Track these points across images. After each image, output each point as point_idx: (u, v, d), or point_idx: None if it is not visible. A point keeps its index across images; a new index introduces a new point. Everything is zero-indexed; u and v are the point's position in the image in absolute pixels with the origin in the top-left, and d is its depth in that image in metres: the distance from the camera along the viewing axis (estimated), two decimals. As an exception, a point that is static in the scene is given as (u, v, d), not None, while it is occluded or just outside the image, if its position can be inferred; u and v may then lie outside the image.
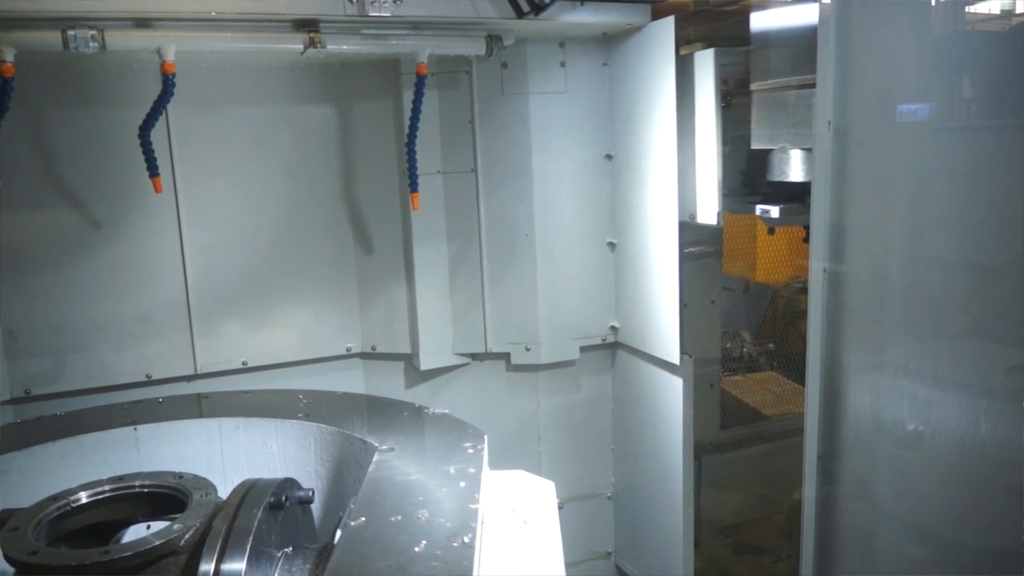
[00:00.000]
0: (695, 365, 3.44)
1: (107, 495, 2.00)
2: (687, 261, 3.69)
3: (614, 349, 4.00)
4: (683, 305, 3.39)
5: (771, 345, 4.91)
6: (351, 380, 3.92)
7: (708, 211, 3.32)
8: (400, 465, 2.28)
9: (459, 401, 3.88)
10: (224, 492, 1.95)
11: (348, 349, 3.91)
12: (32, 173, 3.27)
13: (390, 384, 3.95)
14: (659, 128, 3.35)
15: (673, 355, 3.42)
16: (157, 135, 3.01)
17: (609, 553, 4.21)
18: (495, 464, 2.48)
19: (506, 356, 3.91)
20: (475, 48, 3.30)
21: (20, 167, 3.23)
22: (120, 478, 2.05)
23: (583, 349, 3.93)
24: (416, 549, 1.81)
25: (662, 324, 3.48)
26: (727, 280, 4.48)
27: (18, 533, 1.76)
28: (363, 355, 3.96)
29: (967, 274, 2.16)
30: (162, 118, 3.05)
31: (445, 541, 1.84)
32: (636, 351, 3.78)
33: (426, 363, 3.84)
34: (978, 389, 2.13)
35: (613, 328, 3.93)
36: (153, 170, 2.98)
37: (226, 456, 2.69)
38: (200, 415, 2.79)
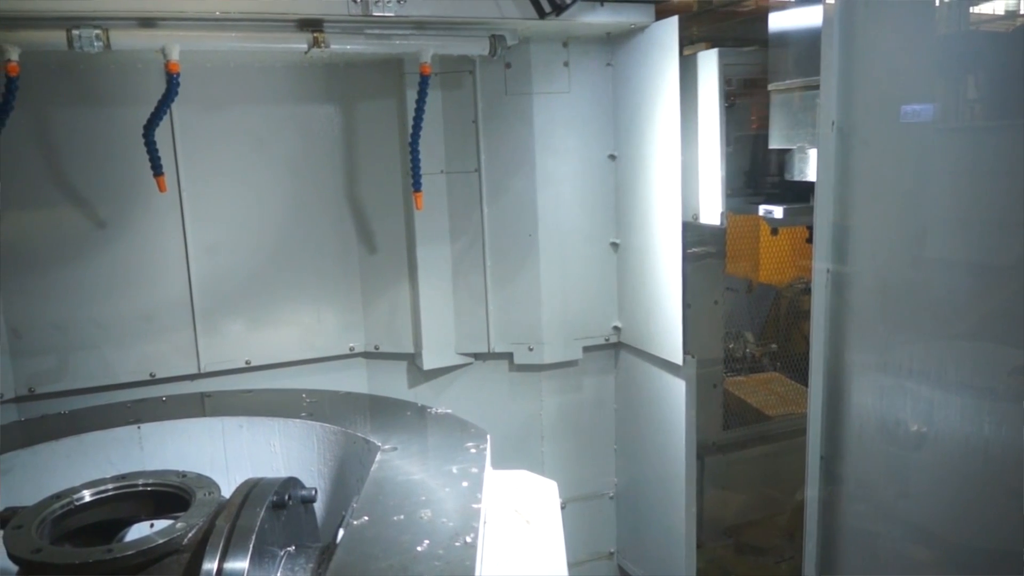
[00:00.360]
0: (698, 365, 3.44)
1: (110, 494, 2.00)
2: (690, 261, 3.69)
3: (617, 349, 4.00)
4: (686, 305, 3.39)
5: (774, 346, 4.90)
6: (354, 379, 3.92)
7: (711, 211, 3.32)
8: (403, 465, 2.28)
9: (462, 401, 3.88)
10: (227, 491, 1.95)
11: (351, 348, 3.92)
12: (36, 172, 3.27)
13: (393, 384, 3.96)
14: (662, 128, 3.35)
15: (676, 355, 3.42)
16: (161, 134, 3.01)
17: (611, 553, 4.21)
18: (498, 464, 2.48)
19: (509, 356, 3.91)
20: (479, 48, 3.30)
21: (25, 166, 3.24)
22: (123, 477, 2.05)
23: (586, 349, 3.93)
24: (419, 549, 1.81)
25: (665, 324, 3.47)
26: (730, 280, 4.47)
27: (22, 531, 1.77)
28: (366, 354, 3.96)
29: (971, 275, 2.15)
30: (166, 117, 3.05)
31: (447, 541, 1.84)
32: (639, 351, 3.78)
33: (429, 363, 3.84)
34: (981, 390, 2.12)
35: (616, 328, 3.93)
36: (157, 169, 2.99)
37: (229, 455, 2.70)
38: (203, 414, 2.80)
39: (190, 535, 1.76)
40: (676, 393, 3.48)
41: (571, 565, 2.30)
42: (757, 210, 3.26)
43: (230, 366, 3.66)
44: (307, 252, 3.75)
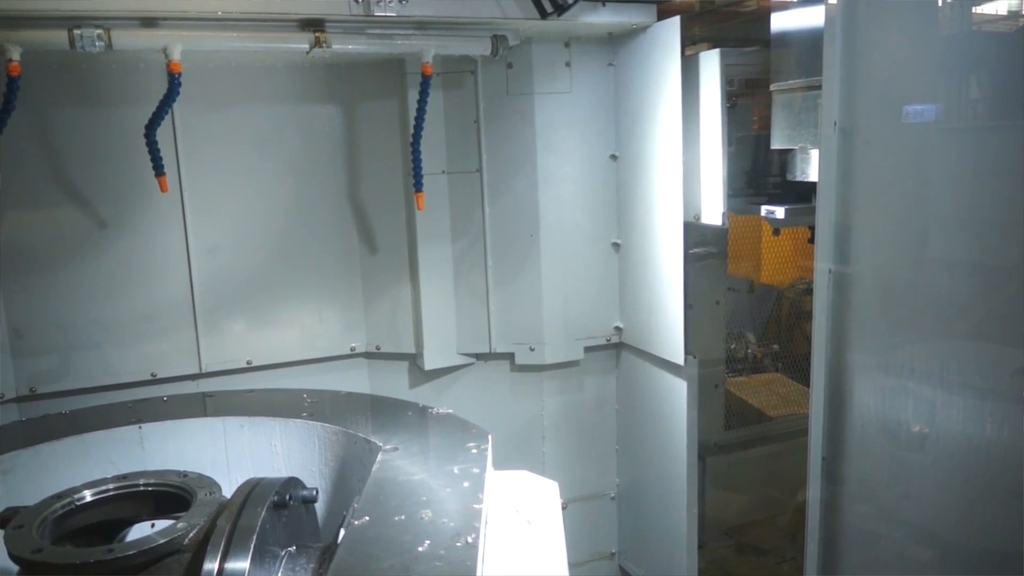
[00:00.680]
0: (699, 366, 3.44)
1: (111, 493, 2.00)
2: (692, 262, 3.69)
3: (618, 350, 3.99)
4: (688, 306, 3.39)
5: (776, 346, 4.90)
6: (355, 380, 3.92)
7: (713, 212, 3.31)
8: (404, 465, 2.28)
9: (463, 401, 3.88)
10: (228, 491, 1.95)
11: (352, 349, 3.92)
12: (38, 172, 3.28)
13: (394, 384, 3.96)
14: (664, 128, 3.35)
15: (677, 356, 3.42)
16: (163, 134, 3.01)
17: (613, 554, 4.20)
18: (499, 464, 2.48)
19: (510, 356, 3.91)
20: (480, 48, 3.30)
21: (26, 166, 3.24)
22: (124, 476, 2.05)
23: (587, 349, 3.93)
24: (419, 549, 1.80)
25: (666, 325, 3.47)
26: (732, 281, 4.47)
27: (23, 531, 1.77)
28: (367, 355, 3.96)
29: (973, 275, 2.15)
30: (168, 117, 3.05)
31: (449, 541, 1.84)
32: (640, 352, 3.78)
33: (430, 363, 3.84)
34: (983, 391, 2.12)
35: (617, 329, 3.92)
36: (159, 169, 2.99)
37: (230, 455, 2.69)
38: (204, 414, 2.80)
39: (191, 535, 1.76)
40: (677, 393, 3.48)
41: (572, 565, 2.30)
42: (759, 210, 3.25)
43: (231, 366, 3.66)
44: (308, 252, 3.75)
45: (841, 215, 2.49)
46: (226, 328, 3.65)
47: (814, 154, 2.87)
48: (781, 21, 2.97)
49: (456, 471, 2.23)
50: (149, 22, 2.81)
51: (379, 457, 2.34)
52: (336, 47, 3.02)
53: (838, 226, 2.51)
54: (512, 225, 3.76)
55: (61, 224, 3.34)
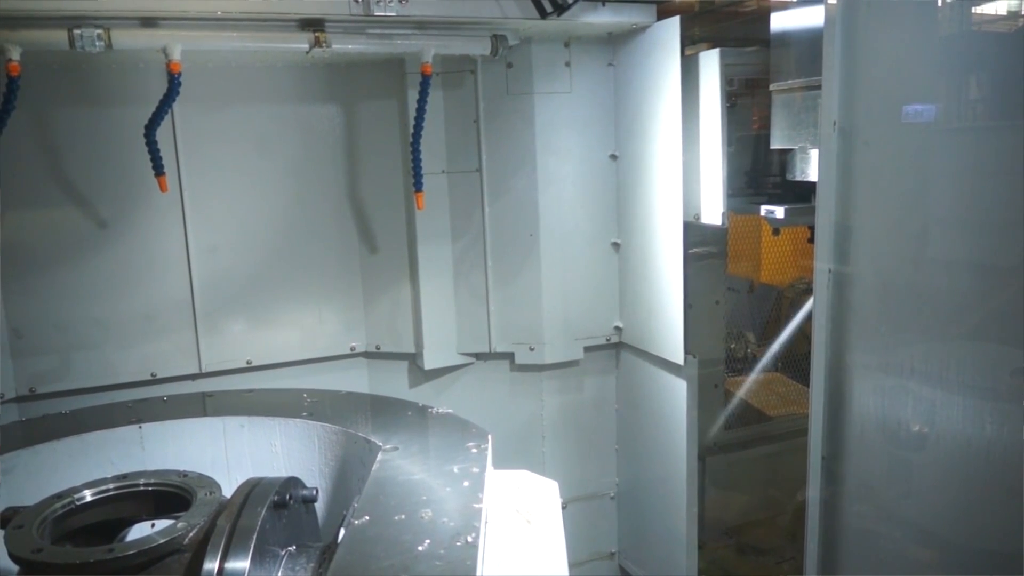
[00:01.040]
0: (699, 366, 3.44)
1: (111, 493, 2.00)
2: (692, 261, 3.69)
3: (618, 349, 3.99)
4: (687, 305, 3.39)
5: (775, 346, 4.90)
6: (355, 379, 3.92)
7: (713, 211, 3.31)
8: (404, 464, 2.28)
9: (463, 401, 3.89)
10: (228, 491, 1.95)
11: (352, 348, 3.92)
12: (38, 172, 3.28)
13: (394, 383, 3.96)
14: (664, 128, 3.35)
15: (677, 356, 3.42)
16: (163, 134, 3.01)
17: (613, 553, 4.20)
18: (499, 464, 2.48)
19: (510, 356, 3.91)
20: (480, 48, 3.30)
21: (26, 166, 3.24)
22: (124, 476, 2.05)
23: (587, 349, 3.93)
24: (419, 548, 1.81)
25: (666, 324, 3.47)
26: (732, 281, 4.47)
27: (23, 531, 1.77)
28: (367, 354, 3.96)
29: (973, 275, 2.15)
30: (168, 117, 3.05)
31: (448, 541, 1.84)
32: (640, 351, 3.78)
33: (430, 363, 3.84)
34: (983, 391, 2.12)
35: (617, 328, 3.92)
36: (158, 169, 2.98)
37: (230, 455, 2.70)
38: (204, 414, 2.80)
39: (191, 535, 1.76)
40: (677, 393, 3.48)
41: (572, 565, 2.30)
42: (759, 210, 3.25)
43: (231, 366, 3.66)
44: (308, 252, 3.75)
45: (841, 215, 2.49)
46: (226, 328, 3.65)
47: (814, 154, 2.87)
48: (781, 21, 2.97)
49: (456, 471, 2.23)
50: (149, 22, 2.81)
51: (379, 457, 2.34)
52: (336, 47, 3.01)
53: (838, 226, 2.51)
54: (512, 225, 3.76)
55: (61, 224, 3.34)
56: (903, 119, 2.29)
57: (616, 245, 3.85)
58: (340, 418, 2.68)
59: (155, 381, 3.53)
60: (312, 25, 2.99)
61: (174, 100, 2.87)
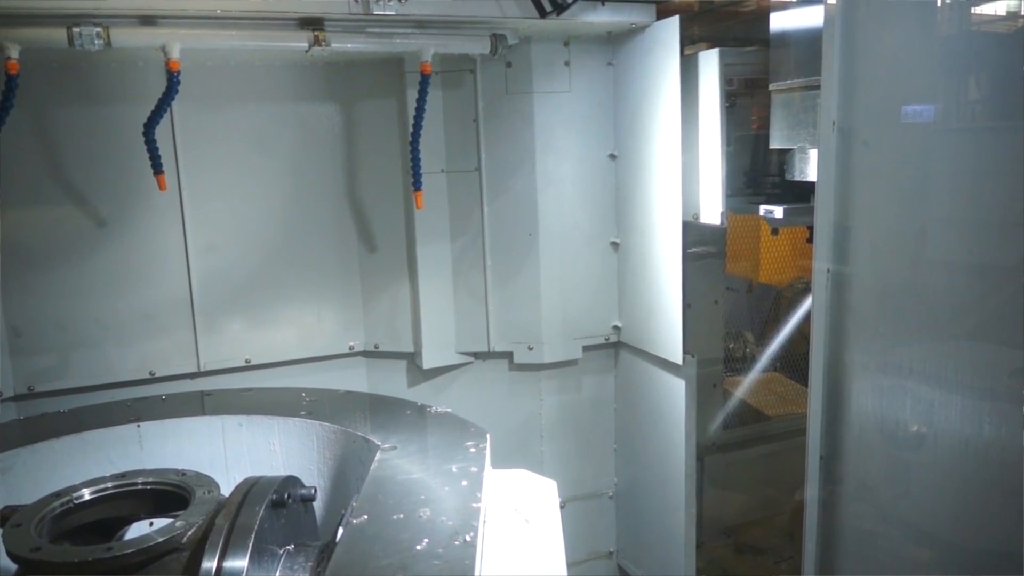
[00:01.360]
0: (698, 365, 3.44)
1: (110, 492, 2.00)
2: (691, 261, 3.69)
3: (617, 349, 3.99)
4: (686, 305, 3.39)
5: (774, 345, 4.90)
6: (354, 378, 3.92)
7: (712, 211, 3.32)
8: (402, 464, 2.28)
9: (462, 400, 3.88)
10: (226, 490, 1.95)
11: (351, 347, 3.92)
12: (37, 170, 3.27)
13: (393, 383, 3.96)
14: (663, 128, 3.35)
15: (676, 355, 3.42)
16: (161, 133, 3.01)
17: (611, 553, 4.21)
18: (497, 463, 2.48)
19: (509, 355, 3.91)
20: (480, 47, 3.30)
21: (25, 164, 3.24)
22: (123, 475, 2.05)
23: (586, 349, 3.93)
24: (418, 547, 1.81)
25: (665, 324, 3.47)
26: (730, 280, 4.48)
27: (21, 530, 1.77)
28: (366, 353, 3.96)
29: (971, 275, 2.15)
30: (167, 116, 3.05)
31: (447, 540, 1.84)
32: (639, 351, 3.78)
33: (429, 362, 3.84)
34: (982, 391, 2.12)
35: (616, 328, 3.93)
36: (157, 167, 2.98)
37: (229, 454, 2.70)
38: (203, 412, 2.80)
39: (190, 533, 1.76)
40: (676, 393, 3.48)
41: (570, 564, 2.30)
42: (758, 210, 3.26)
43: (230, 365, 3.66)
44: (307, 251, 3.75)
45: (840, 215, 2.50)
46: (225, 327, 3.65)
47: (813, 154, 2.87)
48: (780, 21, 2.97)
49: (454, 470, 2.23)
50: (148, 20, 2.80)
51: (377, 456, 2.34)
52: (335, 46, 3.01)
53: (836, 226, 2.51)
54: (511, 224, 3.76)
55: (60, 222, 3.34)
56: (902, 119, 2.29)
57: (615, 244, 3.85)
58: (339, 417, 2.68)
59: (154, 380, 3.52)
60: (311, 24, 2.98)
61: (173, 98, 2.87)
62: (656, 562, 3.83)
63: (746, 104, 3.34)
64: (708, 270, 4.05)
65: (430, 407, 2.77)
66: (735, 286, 4.76)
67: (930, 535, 2.38)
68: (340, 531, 1.91)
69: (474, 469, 2.24)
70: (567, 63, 3.65)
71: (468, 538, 1.84)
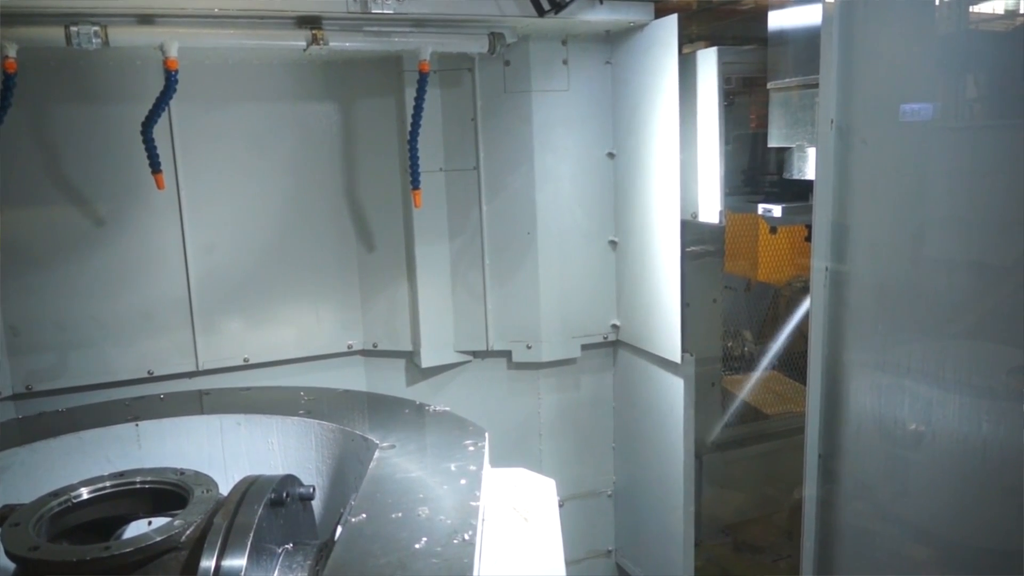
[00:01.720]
0: (696, 364, 3.44)
1: (108, 491, 2.00)
2: (689, 260, 3.69)
3: (615, 347, 4.00)
4: (685, 304, 3.39)
5: (773, 344, 4.90)
6: (352, 377, 3.92)
7: (710, 210, 3.32)
8: (401, 462, 2.28)
9: (460, 399, 3.88)
10: (225, 489, 1.95)
11: (349, 346, 3.91)
12: (35, 169, 3.27)
13: (391, 381, 3.96)
14: (661, 126, 3.35)
15: (674, 354, 3.42)
16: (159, 132, 3.01)
17: (609, 551, 4.21)
18: (496, 462, 2.48)
19: (507, 354, 3.91)
20: (478, 46, 3.30)
21: (23, 163, 3.24)
22: (121, 474, 2.05)
23: (584, 347, 3.93)
24: (416, 546, 1.81)
25: (663, 322, 3.47)
26: (729, 279, 4.47)
27: (19, 529, 1.77)
28: (364, 352, 3.96)
29: (970, 274, 2.15)
30: (165, 115, 3.04)
31: (446, 538, 1.84)
32: (637, 349, 3.78)
33: (427, 361, 3.84)
34: (980, 389, 2.12)
35: (614, 326, 3.93)
36: (155, 166, 2.98)
37: (227, 453, 2.69)
38: (201, 412, 2.79)
39: (188, 532, 1.76)
40: (674, 391, 3.48)
41: (569, 563, 2.31)
42: (756, 209, 3.26)
43: (228, 364, 3.66)
44: (306, 250, 3.75)
45: (838, 213, 2.50)
46: (223, 326, 3.64)
47: (811, 152, 2.87)
48: (778, 19, 2.97)
49: (453, 468, 2.23)
50: (146, 19, 2.80)
51: (376, 454, 2.34)
52: (333, 44, 3.01)
53: (835, 224, 2.51)
54: (509, 223, 3.76)
55: (57, 221, 3.33)
56: (901, 118, 2.29)
57: (613, 243, 3.85)
58: (337, 416, 2.68)
59: (152, 379, 3.52)
60: (309, 22, 2.98)
61: (171, 97, 2.86)
62: (655, 560, 3.84)
63: (744, 103, 3.34)
64: (706, 269, 4.05)
65: (429, 406, 2.77)
66: (733, 285, 4.76)
67: (928, 533, 2.38)
68: (339, 530, 1.91)
69: (473, 468, 2.24)
70: (565, 62, 3.65)
71: (467, 537, 1.85)
